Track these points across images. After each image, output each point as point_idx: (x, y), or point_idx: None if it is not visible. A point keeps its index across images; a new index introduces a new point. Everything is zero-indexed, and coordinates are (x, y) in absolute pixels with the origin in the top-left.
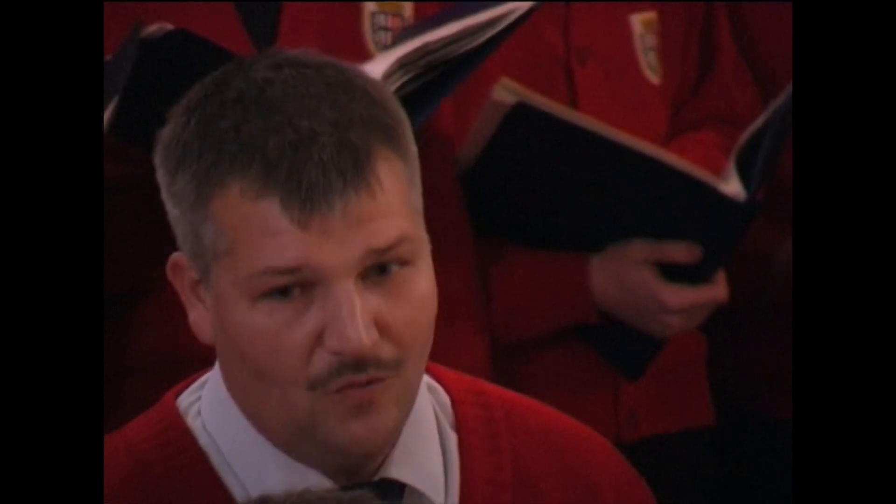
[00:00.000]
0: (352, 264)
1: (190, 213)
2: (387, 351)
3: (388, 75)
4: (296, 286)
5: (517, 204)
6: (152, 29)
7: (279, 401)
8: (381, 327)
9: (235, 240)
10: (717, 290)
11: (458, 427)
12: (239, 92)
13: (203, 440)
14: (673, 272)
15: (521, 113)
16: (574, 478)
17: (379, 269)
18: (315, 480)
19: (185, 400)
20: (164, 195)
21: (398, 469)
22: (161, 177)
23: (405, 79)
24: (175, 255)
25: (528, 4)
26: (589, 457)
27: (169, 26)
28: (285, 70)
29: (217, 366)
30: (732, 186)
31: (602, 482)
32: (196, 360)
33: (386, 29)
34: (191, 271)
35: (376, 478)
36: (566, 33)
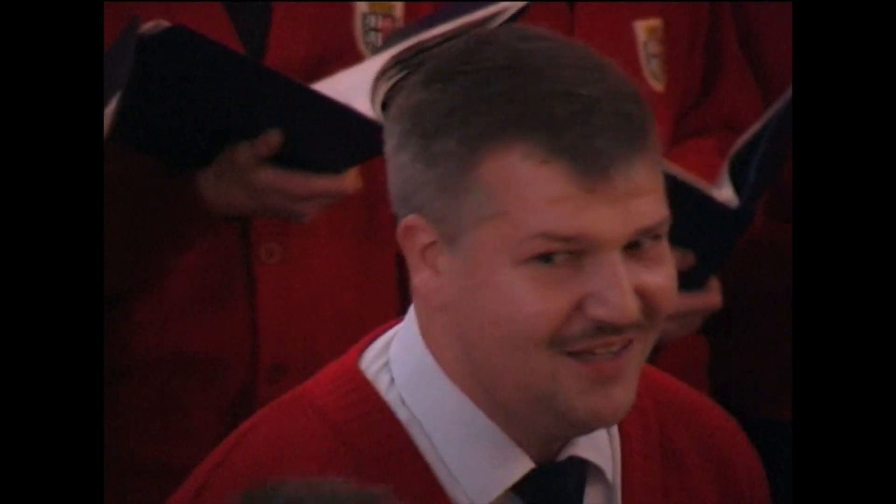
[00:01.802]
0: (624, 237)
1: (453, 174)
2: (641, 317)
3: (384, 71)
4: (564, 252)
5: None
6: (149, 26)
7: (523, 366)
8: (639, 295)
9: (509, 202)
10: (710, 296)
11: None
12: (501, 59)
13: (402, 415)
14: None
15: None
16: (710, 449)
17: (643, 242)
18: (517, 457)
19: (372, 366)
20: (410, 159)
21: (584, 449)
22: (410, 140)
23: (400, 75)
24: (410, 218)
25: (519, 4)
26: (720, 430)
27: (166, 23)
28: (538, 42)
29: (411, 328)
30: (725, 193)
31: (733, 455)
32: (192, 360)
33: (377, 30)
34: (425, 235)
35: (563, 457)
36: (570, 39)
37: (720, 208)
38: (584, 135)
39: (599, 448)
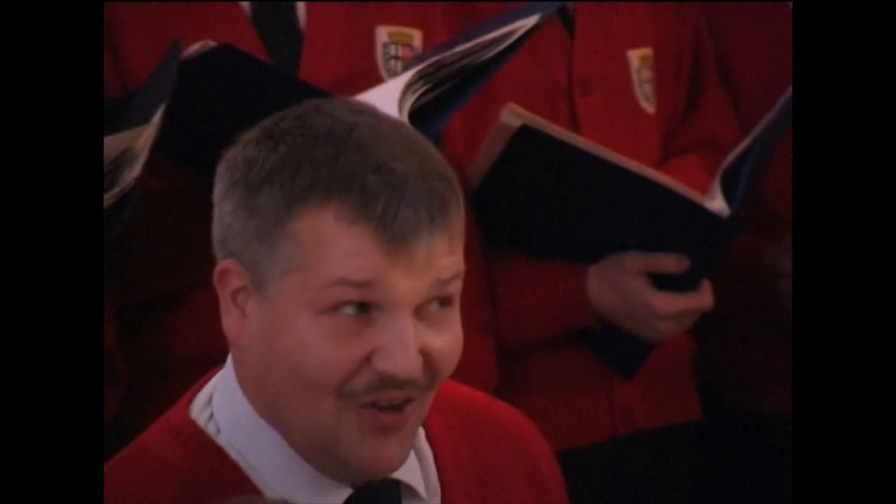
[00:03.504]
0: (417, 296)
1: (270, 226)
2: (424, 376)
3: (410, 85)
4: (359, 305)
5: (522, 218)
6: (194, 48)
7: (310, 410)
8: (424, 355)
9: (314, 255)
10: (702, 297)
11: (423, 423)
12: (328, 127)
13: (233, 455)
14: (663, 281)
15: (525, 135)
16: (514, 447)
17: (431, 304)
18: (332, 485)
19: (200, 416)
20: (232, 208)
21: (397, 471)
22: (236, 191)
23: (424, 89)
24: (225, 262)
25: (531, 22)
26: (521, 431)
27: (212, 43)
28: (366, 116)
29: (227, 376)
30: (717, 204)
31: (533, 448)
32: None
33: (397, 58)
34: (238, 279)
35: (378, 479)
36: (570, 66)
37: (712, 218)
38: (392, 205)
39: (410, 469)
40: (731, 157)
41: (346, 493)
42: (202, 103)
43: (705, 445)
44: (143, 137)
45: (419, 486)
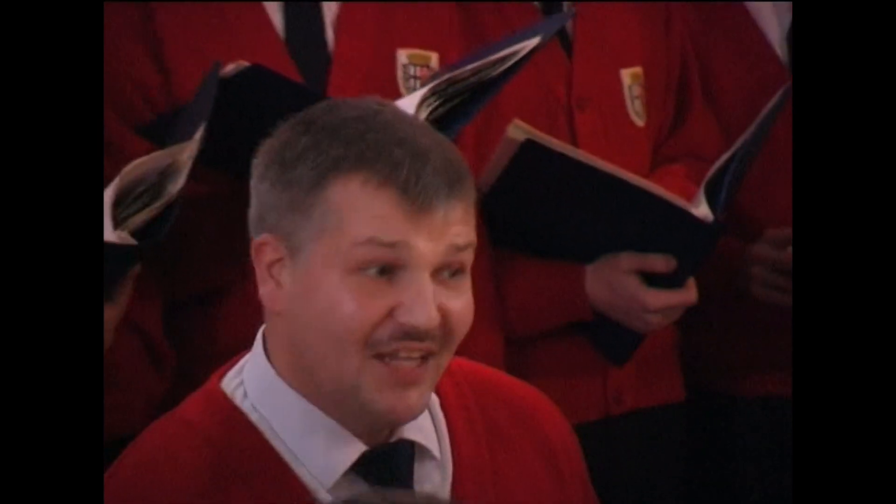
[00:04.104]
0: (436, 257)
1: (304, 195)
2: (440, 333)
3: (424, 100)
4: (384, 265)
5: (526, 221)
6: (230, 68)
7: (337, 362)
8: (441, 314)
9: (345, 217)
10: (688, 293)
11: (437, 392)
12: (355, 113)
13: (254, 417)
14: (653, 279)
15: (529, 148)
16: (525, 421)
17: (446, 271)
18: (349, 441)
19: (229, 385)
20: (268, 187)
21: (409, 432)
22: (270, 171)
23: (436, 103)
24: (262, 236)
25: (533, 43)
26: (535, 406)
27: (245, 63)
28: (387, 107)
29: (257, 350)
30: (702, 210)
31: (546, 425)
32: None
33: (416, 77)
34: (273, 252)
35: (394, 439)
36: (569, 84)
37: (698, 222)
38: (415, 172)
39: (423, 430)
40: (714, 168)
41: (361, 449)
42: (239, 117)
43: (689, 424)
44: (187, 152)
45: (433, 447)
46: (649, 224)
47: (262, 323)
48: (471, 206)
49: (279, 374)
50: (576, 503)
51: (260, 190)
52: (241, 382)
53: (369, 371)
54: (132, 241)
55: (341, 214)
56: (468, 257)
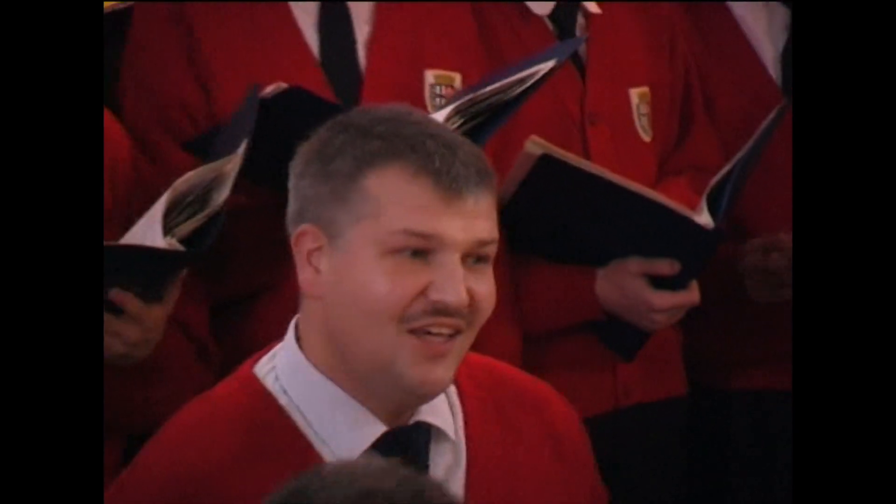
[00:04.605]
0: (465, 244)
1: (343, 185)
2: (467, 310)
3: (448, 118)
4: (418, 249)
5: (542, 229)
6: (270, 89)
7: (372, 338)
8: (468, 295)
9: (383, 205)
10: (691, 295)
11: (455, 379)
12: (388, 113)
13: (283, 400)
14: (659, 282)
15: (546, 161)
16: (536, 411)
17: (472, 258)
18: (371, 422)
19: (262, 370)
20: (308, 181)
21: (427, 415)
22: (310, 167)
23: (460, 122)
24: (302, 226)
25: (549, 66)
26: (543, 397)
27: (284, 85)
28: (416, 111)
29: (290, 339)
30: (704, 218)
31: (555, 414)
32: None
33: (442, 96)
34: (312, 240)
35: (412, 421)
36: (582, 102)
37: (700, 229)
38: (447, 163)
39: (440, 414)
40: (715, 179)
41: (381, 429)
42: (278, 134)
43: (691, 415)
44: (231, 166)
45: (448, 429)
46: (655, 231)
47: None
48: (494, 202)
49: (309, 359)
50: (580, 490)
51: (300, 186)
52: (273, 367)
53: (403, 345)
54: (180, 248)
55: (378, 202)
56: (492, 251)
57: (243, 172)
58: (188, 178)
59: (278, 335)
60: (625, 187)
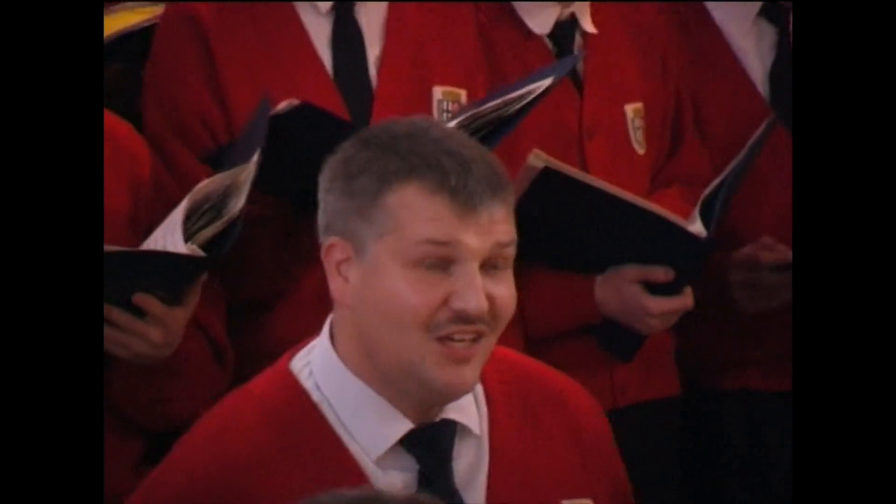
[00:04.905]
0: (483, 251)
1: (366, 202)
2: (488, 316)
3: None
4: (439, 260)
5: (543, 238)
6: (283, 105)
7: (400, 346)
8: (488, 300)
9: (404, 220)
10: (685, 300)
11: (482, 377)
12: (408, 129)
13: (315, 396)
14: (654, 287)
15: (547, 174)
16: (561, 408)
17: (491, 264)
18: (399, 419)
19: (297, 365)
20: (335, 197)
21: (453, 412)
22: (336, 183)
23: None
24: (331, 239)
25: (547, 83)
26: (566, 390)
27: (296, 101)
28: (435, 124)
29: (325, 337)
30: (696, 227)
31: (579, 413)
32: None
33: (448, 112)
34: (341, 252)
35: (438, 418)
36: (579, 117)
37: (693, 238)
38: (463, 179)
39: (466, 411)
40: (707, 190)
41: (408, 426)
42: (290, 148)
43: (684, 413)
44: (245, 174)
45: (473, 426)
46: (651, 239)
47: (308, 326)
48: (510, 208)
49: (342, 358)
50: (603, 483)
51: (327, 200)
52: (308, 363)
53: (429, 351)
54: (201, 253)
55: (400, 218)
56: (510, 252)
57: (257, 184)
58: (204, 187)
59: (289, 339)
60: (622, 198)
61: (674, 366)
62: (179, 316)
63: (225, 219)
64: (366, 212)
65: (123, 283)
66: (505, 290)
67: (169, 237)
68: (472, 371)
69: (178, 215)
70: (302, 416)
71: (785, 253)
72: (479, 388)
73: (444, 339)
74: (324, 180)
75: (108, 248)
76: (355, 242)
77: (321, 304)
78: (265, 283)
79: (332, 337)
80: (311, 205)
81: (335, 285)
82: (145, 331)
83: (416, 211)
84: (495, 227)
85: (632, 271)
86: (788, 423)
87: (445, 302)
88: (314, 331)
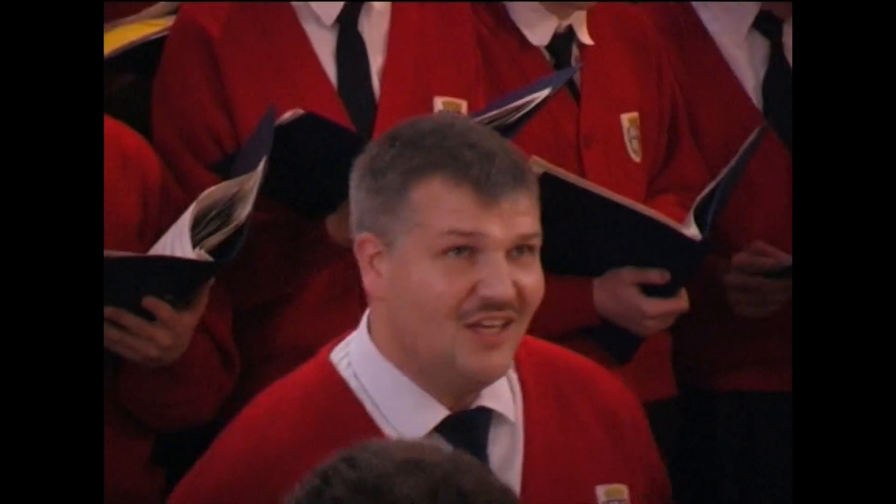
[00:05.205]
0: (507, 241)
1: (393, 198)
2: (516, 302)
3: None
4: (465, 249)
5: (542, 242)
6: (287, 115)
7: (431, 333)
8: (515, 287)
9: (429, 213)
10: (681, 302)
11: (516, 366)
12: (432, 126)
13: (353, 385)
14: (651, 290)
15: (546, 180)
16: (594, 397)
17: (517, 251)
18: (434, 407)
19: (336, 356)
20: (364, 194)
21: (488, 400)
22: (364, 181)
23: None
24: (362, 235)
25: (545, 93)
26: (599, 379)
27: (301, 111)
28: (459, 119)
29: (363, 329)
30: (691, 231)
31: (616, 403)
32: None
33: None
34: (372, 247)
35: (474, 406)
36: (577, 125)
37: (688, 241)
38: (485, 170)
39: (501, 399)
40: (701, 195)
41: (444, 413)
42: (296, 157)
43: (679, 416)
44: (251, 181)
45: (508, 413)
46: (647, 243)
47: (313, 330)
48: (534, 199)
49: (379, 348)
50: (636, 468)
51: (357, 197)
52: (347, 354)
53: (460, 338)
54: (209, 259)
55: (425, 211)
56: (536, 242)
57: (263, 191)
58: (211, 193)
59: (294, 343)
60: (619, 203)
61: (670, 367)
62: (187, 320)
63: (232, 225)
64: (393, 207)
65: (133, 287)
66: (532, 276)
67: (177, 242)
68: (502, 356)
69: (185, 221)
70: (341, 403)
71: (782, 258)
72: (514, 377)
73: (474, 326)
74: (353, 178)
75: (117, 253)
76: (385, 237)
77: (326, 309)
78: (271, 288)
79: (369, 329)
80: (316, 212)
81: (368, 279)
82: (154, 334)
83: (441, 203)
84: (518, 218)
85: (628, 274)
86: (784, 425)
87: (473, 290)
88: (319, 335)
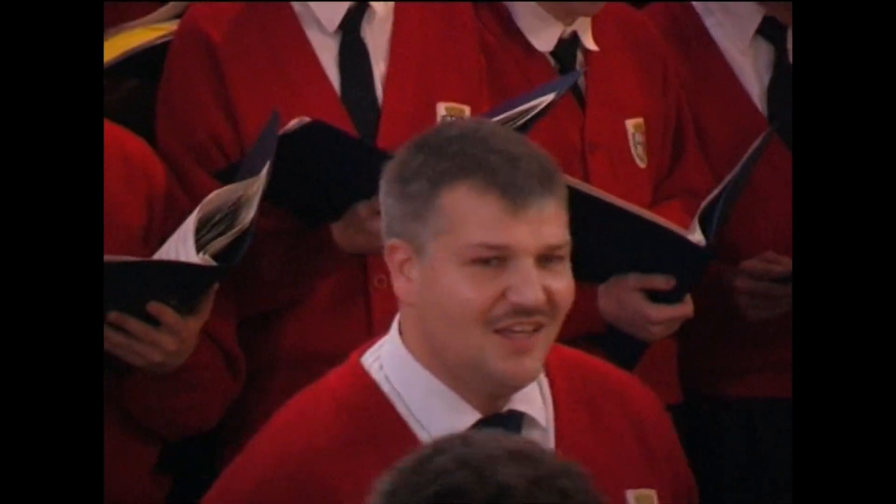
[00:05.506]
0: (536, 249)
1: (421, 205)
2: (547, 307)
3: None
4: (494, 258)
5: None
6: (293, 123)
7: (461, 339)
8: (546, 293)
9: (457, 221)
10: (686, 308)
11: (547, 372)
12: (458, 132)
13: (385, 388)
14: (655, 295)
15: None
16: (623, 403)
17: (546, 258)
18: (467, 410)
19: (368, 360)
20: (393, 200)
21: (519, 403)
22: (393, 188)
23: None
24: (392, 241)
25: (549, 99)
26: (628, 387)
27: (306, 119)
28: (485, 124)
29: (394, 333)
30: (696, 237)
31: (642, 408)
32: (324, 358)
33: None
34: (402, 253)
35: (505, 409)
36: (582, 132)
37: (693, 247)
38: (511, 177)
39: (533, 403)
40: (706, 201)
41: (476, 416)
42: (301, 164)
43: (684, 422)
44: (255, 186)
45: (540, 418)
46: (652, 249)
47: (318, 335)
48: (562, 202)
49: (410, 352)
50: (665, 477)
51: (387, 204)
52: (378, 358)
53: (490, 344)
54: (213, 263)
55: (453, 219)
56: (565, 252)
57: (267, 197)
58: (215, 198)
59: (298, 349)
60: (624, 209)
61: (675, 373)
62: (192, 325)
63: (236, 230)
64: (421, 214)
65: (137, 292)
66: (562, 282)
67: (181, 247)
68: (533, 361)
69: (189, 225)
70: (373, 406)
71: (791, 265)
72: (545, 382)
73: (504, 331)
74: (382, 185)
75: (121, 258)
76: (414, 243)
77: (331, 315)
78: (276, 295)
79: (400, 333)
80: (322, 219)
81: (399, 284)
82: (159, 339)
83: (469, 212)
84: (546, 227)
85: (634, 280)
86: (788, 431)
87: (503, 296)
88: (325, 341)
